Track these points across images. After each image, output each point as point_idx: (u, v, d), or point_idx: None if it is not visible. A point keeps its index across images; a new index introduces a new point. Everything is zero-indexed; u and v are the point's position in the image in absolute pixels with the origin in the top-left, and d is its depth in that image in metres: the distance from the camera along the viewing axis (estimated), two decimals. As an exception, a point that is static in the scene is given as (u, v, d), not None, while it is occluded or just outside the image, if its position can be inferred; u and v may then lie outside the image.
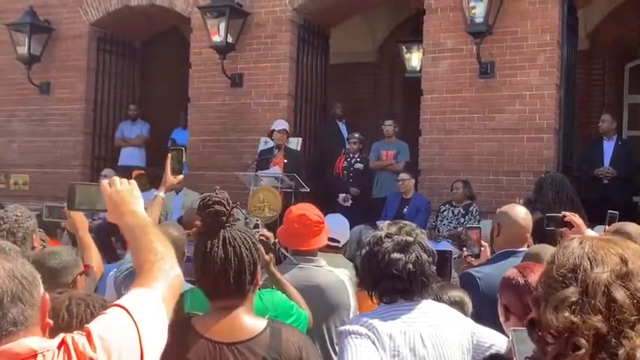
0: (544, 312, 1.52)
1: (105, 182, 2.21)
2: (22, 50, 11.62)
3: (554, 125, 8.98)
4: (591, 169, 9.24)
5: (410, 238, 2.77)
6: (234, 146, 10.59)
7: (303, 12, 10.57)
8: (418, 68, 10.98)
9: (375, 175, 10.21)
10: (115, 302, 1.74)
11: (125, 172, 8.09)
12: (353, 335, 2.63)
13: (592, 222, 5.33)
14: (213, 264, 2.45)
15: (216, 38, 10.37)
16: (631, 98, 12.38)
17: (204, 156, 10.75)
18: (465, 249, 4.49)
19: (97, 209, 2.39)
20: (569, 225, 4.23)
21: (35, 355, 1.50)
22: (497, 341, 2.77)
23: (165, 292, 1.83)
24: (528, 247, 4.06)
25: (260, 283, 2.69)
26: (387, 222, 2.93)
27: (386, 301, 2.75)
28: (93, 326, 1.61)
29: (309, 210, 4.01)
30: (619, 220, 4.74)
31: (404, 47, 11.96)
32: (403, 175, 9.33)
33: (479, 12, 8.89)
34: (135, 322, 1.66)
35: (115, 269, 4.08)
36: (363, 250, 2.84)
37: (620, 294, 1.48)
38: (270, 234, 3.91)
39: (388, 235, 2.77)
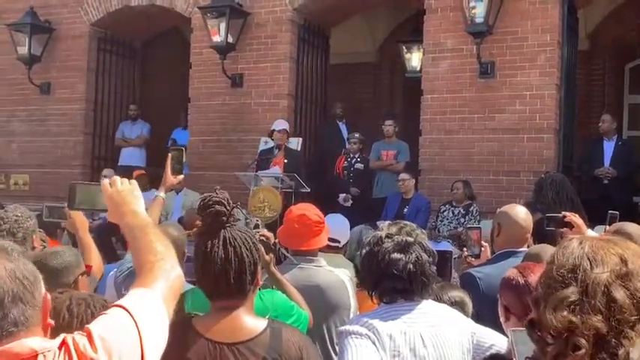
0: (544, 312, 1.52)
1: (106, 182, 2.21)
2: (23, 50, 11.62)
3: (555, 125, 8.98)
4: (591, 169, 9.23)
5: (410, 239, 2.77)
6: (234, 146, 10.60)
7: (303, 12, 10.57)
8: (418, 68, 10.98)
9: (376, 175, 10.21)
10: (116, 302, 1.74)
11: (125, 172, 8.09)
12: (353, 335, 2.63)
13: (592, 222, 5.33)
14: (214, 264, 2.45)
15: (217, 38, 10.38)
16: (631, 98, 12.38)
17: (204, 156, 10.75)
18: (465, 249, 4.49)
19: (98, 209, 2.39)
20: (570, 225, 4.23)
21: (36, 356, 1.50)
22: (498, 341, 2.77)
23: (165, 292, 1.82)
24: (528, 247, 4.06)
25: (260, 283, 2.69)
26: (387, 222, 2.93)
27: (386, 302, 2.75)
28: (93, 327, 1.61)
29: (309, 210, 4.01)
30: (619, 221, 4.74)
31: (404, 47, 11.96)
32: (403, 175, 9.33)
33: (479, 12, 8.89)
34: (135, 322, 1.66)
35: (115, 269, 4.08)
36: (364, 250, 2.84)
37: (620, 294, 1.48)
38: (270, 234, 3.91)
39: (388, 236, 2.78)
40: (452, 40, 9.37)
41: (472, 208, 8.81)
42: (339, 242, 4.64)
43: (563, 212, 4.42)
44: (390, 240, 2.76)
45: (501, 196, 8.61)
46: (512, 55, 9.05)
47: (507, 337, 2.63)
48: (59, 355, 1.53)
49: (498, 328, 2.81)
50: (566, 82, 9.16)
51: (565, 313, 1.49)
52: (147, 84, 13.06)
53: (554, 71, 8.94)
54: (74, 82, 11.82)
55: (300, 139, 10.36)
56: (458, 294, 3.29)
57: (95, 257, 4.06)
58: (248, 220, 5.07)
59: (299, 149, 10.15)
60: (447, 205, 9.01)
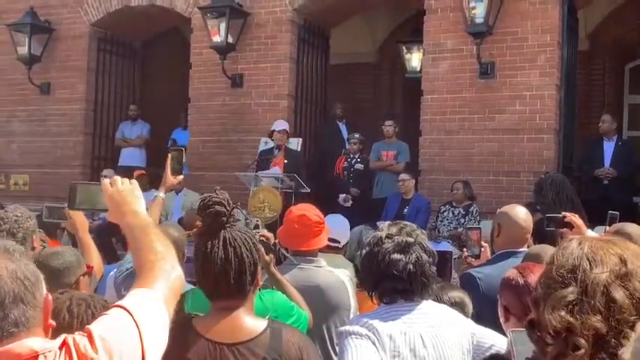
0: (543, 312, 1.53)
1: (106, 182, 2.20)
2: (23, 50, 11.62)
3: (555, 126, 8.98)
4: (591, 169, 9.23)
5: (410, 239, 2.77)
6: (234, 147, 10.60)
7: (303, 12, 10.57)
8: (418, 69, 10.98)
9: (376, 176, 10.21)
10: (116, 303, 1.74)
11: (125, 173, 8.06)
12: (353, 336, 2.63)
13: (592, 222, 5.33)
14: (214, 264, 2.45)
15: (217, 38, 10.38)
16: (631, 99, 12.38)
17: (204, 156, 10.75)
18: (465, 249, 4.49)
19: (98, 209, 2.39)
20: (570, 225, 4.23)
21: (37, 356, 1.50)
22: (498, 342, 2.77)
23: (166, 292, 1.82)
24: (528, 247, 4.06)
25: (260, 283, 2.69)
26: (387, 222, 2.94)
27: (386, 302, 2.76)
28: (94, 327, 1.61)
29: (309, 210, 4.01)
30: (619, 221, 4.74)
31: (404, 47, 11.96)
32: (403, 176, 9.33)
33: (479, 12, 8.89)
34: (136, 322, 1.66)
35: (115, 270, 4.08)
36: (364, 251, 2.84)
37: (619, 294, 1.48)
38: (270, 234, 3.92)
39: (389, 236, 2.78)
40: (452, 40, 9.37)
41: (472, 208, 8.81)
42: (339, 243, 4.64)
43: (563, 212, 4.42)
44: (390, 240, 2.76)
45: (501, 197, 8.61)
46: (512, 56, 9.06)
47: (507, 337, 2.64)
48: (60, 355, 1.53)
49: (498, 328, 2.81)
50: (566, 82, 9.16)
51: (564, 313, 1.49)
52: (147, 84, 13.06)
53: (554, 71, 8.94)
54: (74, 83, 11.82)
55: (300, 139, 10.37)
56: (458, 294, 3.29)
57: (95, 258, 4.06)
58: (248, 221, 5.09)
59: (299, 150, 10.15)
60: (447, 206, 9.01)
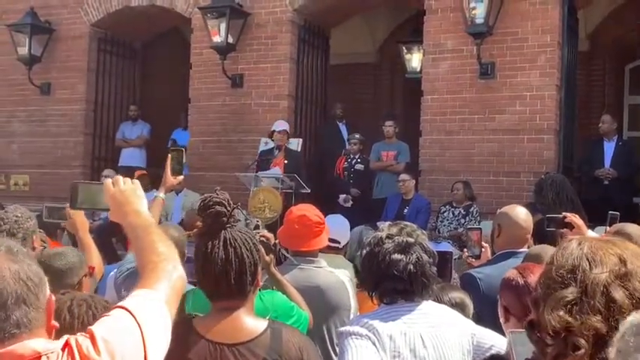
0: (543, 313, 1.53)
1: (108, 181, 2.20)
2: (23, 51, 11.62)
3: (555, 126, 8.98)
4: (592, 170, 9.23)
5: (411, 239, 2.77)
6: (234, 147, 10.60)
7: (303, 13, 10.57)
8: (418, 69, 10.98)
9: (376, 176, 10.21)
10: (118, 304, 1.73)
11: (126, 173, 8.07)
12: (353, 336, 2.63)
13: (592, 223, 5.33)
14: (214, 265, 2.45)
15: (217, 39, 10.38)
16: (631, 99, 12.38)
17: (204, 157, 10.75)
18: (465, 250, 4.49)
19: (100, 208, 2.39)
20: (570, 226, 4.23)
21: (39, 357, 1.50)
22: (498, 342, 2.77)
23: (168, 293, 1.82)
24: (529, 248, 4.06)
25: (260, 284, 2.69)
26: (387, 223, 2.94)
27: (386, 302, 2.76)
28: (96, 328, 1.61)
29: (309, 211, 4.01)
30: (620, 221, 4.74)
31: (404, 48, 11.96)
32: (404, 176, 9.32)
33: (479, 13, 8.89)
34: (138, 324, 1.66)
35: (115, 270, 4.08)
36: (364, 251, 2.84)
37: (619, 294, 1.49)
38: (270, 235, 3.92)
39: (389, 236, 2.78)
40: (452, 40, 9.37)
41: (472, 208, 8.81)
42: (339, 243, 4.64)
43: (563, 213, 4.42)
44: (390, 241, 2.76)
45: (501, 197, 8.61)
46: (513, 56, 9.06)
47: (507, 338, 2.64)
48: (62, 356, 1.53)
49: (498, 328, 2.81)
50: (566, 82, 9.16)
51: (564, 313, 1.49)
52: (147, 84, 13.06)
53: (555, 72, 8.94)
54: (74, 83, 11.82)
55: (301, 139, 10.37)
56: (458, 295, 3.29)
57: (95, 258, 4.06)
58: (248, 221, 5.09)
59: (299, 150, 10.15)
60: (447, 206, 9.00)
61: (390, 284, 2.72)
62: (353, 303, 3.86)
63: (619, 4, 11.49)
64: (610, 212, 4.97)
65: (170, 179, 3.76)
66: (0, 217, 3.73)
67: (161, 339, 1.72)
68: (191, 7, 10.87)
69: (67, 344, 1.56)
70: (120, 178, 2.21)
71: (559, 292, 1.52)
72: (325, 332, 3.78)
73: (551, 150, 8.93)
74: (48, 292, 1.61)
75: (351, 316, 3.73)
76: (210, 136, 10.81)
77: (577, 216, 4.33)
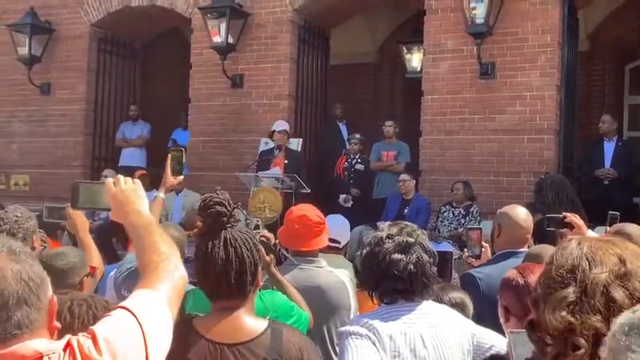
0: (543, 312, 1.53)
1: (109, 181, 2.20)
2: (23, 51, 11.63)
3: (555, 126, 8.98)
4: (592, 170, 9.23)
5: (411, 239, 2.77)
6: (234, 147, 10.60)
7: (303, 13, 10.57)
8: (419, 69, 10.98)
9: (376, 176, 10.21)
10: (120, 304, 1.73)
11: (126, 173, 8.07)
12: (353, 336, 2.63)
13: (592, 223, 5.33)
14: (215, 265, 2.45)
15: (217, 39, 10.38)
16: (631, 99, 12.38)
17: (204, 157, 10.76)
18: (465, 250, 4.49)
19: (101, 208, 2.39)
20: (570, 226, 4.23)
21: (41, 358, 1.50)
22: (498, 342, 2.77)
23: (169, 293, 1.82)
24: (529, 247, 4.06)
25: (261, 284, 2.69)
26: (387, 223, 2.94)
27: (386, 302, 2.76)
28: (98, 328, 1.61)
29: (309, 211, 4.01)
30: (620, 221, 4.74)
31: (404, 48, 11.95)
32: (404, 176, 9.32)
33: (479, 13, 8.89)
34: (140, 324, 1.66)
35: (115, 270, 4.08)
36: (364, 251, 2.84)
37: (619, 294, 1.49)
38: (270, 235, 3.92)
39: (389, 236, 2.78)
40: (452, 40, 9.37)
41: (472, 208, 8.81)
42: (339, 243, 4.64)
43: (563, 213, 4.42)
44: (390, 240, 2.76)
45: (502, 197, 8.61)
46: (513, 56, 9.06)
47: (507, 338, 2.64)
48: (64, 357, 1.53)
49: (498, 328, 2.81)
50: (566, 82, 9.16)
51: (564, 313, 1.49)
52: (147, 84, 13.06)
53: (555, 72, 8.95)
54: (74, 83, 11.83)
55: (301, 139, 10.37)
56: (458, 295, 3.29)
57: (95, 258, 4.06)
58: (248, 221, 5.08)
59: (299, 150, 10.15)
60: (447, 206, 9.00)
61: (390, 284, 2.73)
62: (353, 303, 3.86)
63: (619, 4, 11.49)
64: (610, 212, 4.97)
65: (170, 179, 3.76)
66: (0, 217, 3.73)
67: (162, 339, 1.72)
68: (191, 7, 10.88)
69: (68, 344, 1.56)
70: (121, 177, 2.20)
71: (559, 292, 1.52)
72: (325, 332, 3.78)
73: (551, 150, 8.93)
74: (50, 292, 1.61)
75: (351, 316, 3.73)
76: (210, 136, 10.81)
77: (577, 216, 4.33)
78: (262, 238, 3.56)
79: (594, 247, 1.58)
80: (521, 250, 3.99)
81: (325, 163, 10.66)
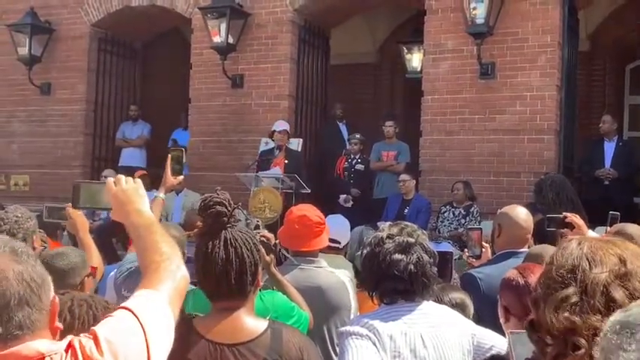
0: (543, 312, 1.53)
1: (110, 180, 2.19)
2: (23, 51, 11.62)
3: (555, 126, 8.98)
4: (592, 170, 9.23)
5: (411, 239, 2.77)
6: (234, 147, 10.60)
7: (303, 13, 10.57)
8: (419, 69, 10.98)
9: (376, 176, 10.21)
10: (122, 305, 1.73)
11: (126, 173, 8.05)
12: (353, 336, 2.63)
13: (593, 223, 5.33)
14: (215, 265, 2.45)
15: (217, 39, 10.38)
16: (632, 99, 12.38)
17: (204, 157, 10.76)
18: (465, 250, 4.49)
19: (102, 208, 2.40)
20: (570, 226, 4.23)
21: (43, 358, 1.50)
22: (498, 342, 2.77)
23: (171, 293, 1.82)
24: (529, 247, 4.06)
25: (261, 284, 2.69)
26: (388, 223, 2.94)
27: (387, 302, 2.76)
28: (100, 329, 1.61)
29: (309, 211, 4.00)
30: (620, 222, 4.74)
31: (404, 48, 11.96)
32: (404, 176, 9.32)
33: (479, 13, 8.89)
34: (141, 324, 1.65)
35: (115, 270, 4.08)
36: (364, 251, 2.84)
37: (619, 294, 1.49)
38: (270, 235, 3.92)
39: (390, 236, 2.78)
40: (452, 40, 9.37)
41: (473, 209, 8.81)
42: (339, 243, 4.64)
43: (563, 213, 4.42)
44: (391, 241, 2.76)
45: (502, 197, 8.61)
46: (513, 56, 9.06)
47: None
48: (66, 357, 1.53)
49: (498, 328, 2.81)
50: (566, 83, 9.16)
51: (565, 313, 1.49)
52: (147, 84, 13.06)
53: (555, 72, 8.94)
54: (74, 83, 11.83)
55: (301, 139, 10.37)
56: (459, 296, 3.29)
57: (95, 258, 4.06)
58: (248, 221, 5.08)
59: (299, 150, 10.15)
60: (447, 206, 9.00)
61: (391, 284, 2.72)
62: (353, 303, 3.85)
63: (619, 4, 11.49)
64: (610, 212, 4.97)
65: (170, 179, 3.76)
66: (0, 218, 3.73)
67: (164, 339, 1.72)
68: (191, 7, 10.88)
69: (70, 345, 1.55)
70: (122, 177, 2.20)
71: (560, 292, 1.52)
72: (326, 332, 3.78)
73: (551, 150, 8.93)
74: (52, 293, 1.60)
75: (352, 316, 3.72)
76: (210, 136, 10.81)
77: (577, 216, 4.34)
78: (262, 238, 3.56)
79: (594, 247, 1.58)
80: (521, 250, 3.99)
81: (325, 163, 10.66)
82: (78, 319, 2.14)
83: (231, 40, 10.37)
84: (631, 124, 12.15)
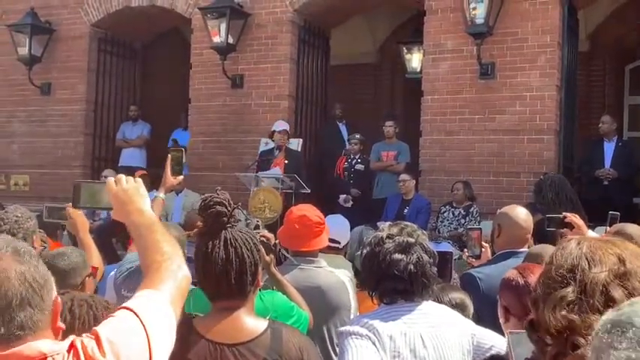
0: (543, 312, 1.53)
1: (111, 180, 2.19)
2: (23, 51, 11.63)
3: (555, 126, 8.98)
4: (592, 170, 9.23)
5: (411, 239, 2.77)
6: (234, 147, 10.60)
7: (303, 13, 10.57)
8: (419, 69, 10.98)
9: (376, 176, 10.21)
10: (123, 305, 1.73)
11: (126, 173, 8.04)
12: (353, 336, 2.63)
13: (592, 223, 5.33)
14: (215, 265, 2.45)
15: (217, 39, 10.38)
16: (631, 99, 12.37)
17: (204, 157, 10.76)
18: (465, 250, 4.49)
19: (102, 207, 2.40)
20: (570, 226, 4.23)
21: (45, 359, 1.50)
22: (498, 342, 2.77)
23: (172, 293, 1.82)
24: (529, 247, 4.06)
25: (261, 284, 2.69)
26: (388, 223, 2.94)
27: (386, 302, 2.76)
28: (102, 329, 1.61)
29: (309, 211, 4.01)
30: (620, 222, 4.74)
31: (404, 48, 11.95)
32: (404, 176, 9.32)
33: (479, 13, 8.89)
34: (143, 324, 1.66)
35: (115, 270, 4.08)
36: (364, 251, 2.85)
37: (618, 293, 1.49)
38: (270, 235, 3.92)
39: (389, 236, 2.78)
40: (452, 41, 9.37)
41: (472, 209, 8.81)
42: (339, 243, 4.64)
43: (563, 213, 4.42)
44: (391, 241, 2.76)
45: (502, 197, 8.61)
46: (513, 56, 9.06)
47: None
48: (68, 358, 1.53)
49: (498, 328, 2.81)
50: (566, 83, 9.16)
51: (564, 312, 1.49)
52: (147, 85, 13.07)
53: (555, 72, 8.95)
54: (74, 83, 11.83)
55: (301, 140, 10.37)
56: (459, 296, 3.29)
57: (95, 258, 4.06)
58: (248, 221, 5.09)
59: (299, 150, 10.15)
60: (447, 206, 9.00)
61: (391, 284, 2.73)
62: (353, 303, 3.85)
63: (619, 4, 11.49)
64: (610, 212, 4.97)
65: (170, 179, 3.76)
66: (0, 218, 3.73)
67: (166, 339, 1.72)
68: (191, 7, 10.88)
69: (72, 345, 1.56)
70: (122, 176, 2.19)
71: (559, 291, 1.52)
72: (325, 332, 3.78)
73: (551, 150, 8.93)
74: (54, 293, 1.60)
75: (352, 316, 3.73)
76: (210, 136, 10.82)
77: (577, 216, 4.34)
78: (262, 238, 3.56)
79: (594, 246, 1.58)
80: (521, 250, 4.00)
81: (325, 164, 10.66)
82: (78, 320, 2.14)
83: (231, 41, 10.38)
84: (631, 125, 12.15)
